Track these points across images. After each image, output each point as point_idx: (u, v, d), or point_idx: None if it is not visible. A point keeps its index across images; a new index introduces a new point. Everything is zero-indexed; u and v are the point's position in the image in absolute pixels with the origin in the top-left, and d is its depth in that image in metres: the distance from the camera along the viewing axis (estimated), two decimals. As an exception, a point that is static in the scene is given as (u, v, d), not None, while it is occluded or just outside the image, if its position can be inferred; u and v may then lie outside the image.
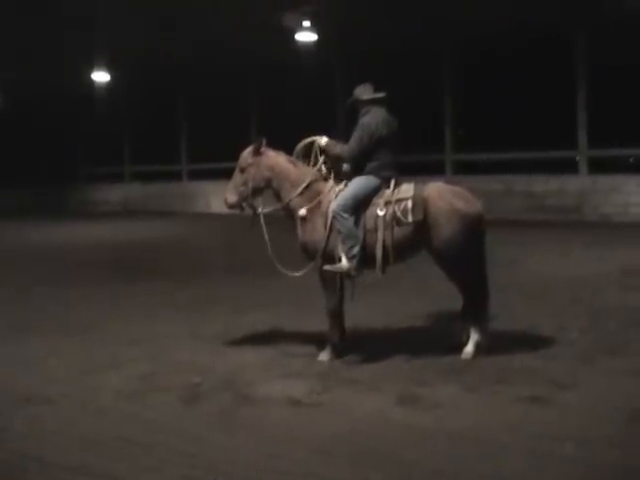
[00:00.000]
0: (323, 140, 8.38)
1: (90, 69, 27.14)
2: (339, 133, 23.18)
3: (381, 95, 8.31)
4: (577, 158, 22.60)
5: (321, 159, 8.36)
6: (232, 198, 8.50)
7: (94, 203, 35.12)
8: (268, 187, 8.45)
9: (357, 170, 8.15)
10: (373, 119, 8.13)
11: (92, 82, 28.32)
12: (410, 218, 7.79)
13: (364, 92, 8.30)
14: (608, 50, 21.03)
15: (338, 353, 8.07)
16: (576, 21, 21.62)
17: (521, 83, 23.14)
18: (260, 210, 8.55)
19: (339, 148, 8.29)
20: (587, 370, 7.45)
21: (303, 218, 8.16)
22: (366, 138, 8.06)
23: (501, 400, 6.65)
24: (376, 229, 7.87)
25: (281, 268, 8.48)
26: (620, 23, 20.44)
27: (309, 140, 8.47)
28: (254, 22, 21.28)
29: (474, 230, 7.88)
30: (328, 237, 7.99)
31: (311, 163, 8.40)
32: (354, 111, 8.42)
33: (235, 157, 8.64)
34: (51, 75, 28.39)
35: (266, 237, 8.48)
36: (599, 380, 7.15)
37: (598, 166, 22.25)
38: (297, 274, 8.42)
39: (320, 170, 8.35)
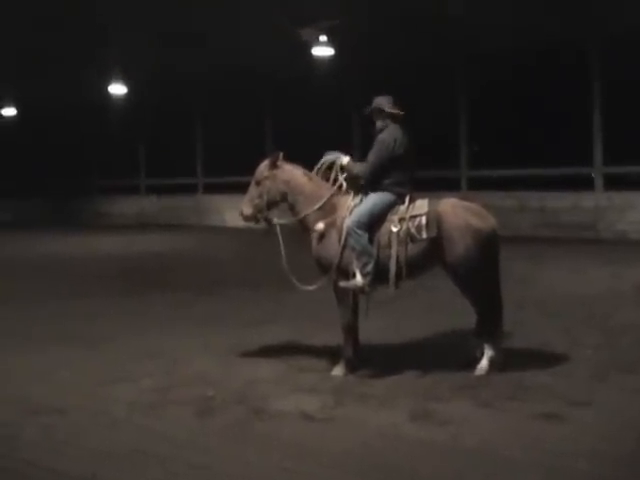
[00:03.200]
0: (345, 159, 8.38)
1: (106, 82, 27.28)
2: (355, 147, 23.28)
3: (401, 112, 8.32)
4: (592, 174, 22.54)
5: (342, 177, 8.36)
6: (247, 210, 8.53)
7: (109, 215, 35.19)
8: (283, 201, 8.48)
9: (372, 186, 8.15)
10: (391, 136, 8.13)
11: (108, 95, 28.47)
12: (424, 234, 7.80)
13: (387, 104, 8.31)
14: (624, 66, 21.01)
15: (352, 368, 8.06)
16: (591, 36, 21.60)
17: (536, 99, 23.13)
18: (276, 220, 8.57)
19: (357, 168, 8.28)
20: (601, 387, 7.43)
21: (319, 232, 8.16)
22: (385, 155, 8.06)
23: (515, 416, 6.63)
24: (390, 245, 7.87)
25: (295, 281, 8.50)
26: (635, 39, 20.39)
27: (331, 159, 8.47)
28: (271, 36, 21.34)
29: (488, 246, 7.88)
30: (342, 252, 8.00)
31: (331, 180, 8.40)
32: (370, 120, 8.43)
33: (250, 171, 8.67)
34: (67, 87, 28.51)
35: (282, 249, 8.51)
36: (613, 397, 7.13)
37: (613, 183, 22.17)
38: (310, 288, 8.43)
39: (340, 187, 8.35)
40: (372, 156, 8.15)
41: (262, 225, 8.61)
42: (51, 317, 11.61)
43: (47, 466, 5.79)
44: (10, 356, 9.13)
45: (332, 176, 8.39)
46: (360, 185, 8.29)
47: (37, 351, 9.34)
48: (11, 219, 32.40)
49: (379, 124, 8.28)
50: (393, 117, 8.29)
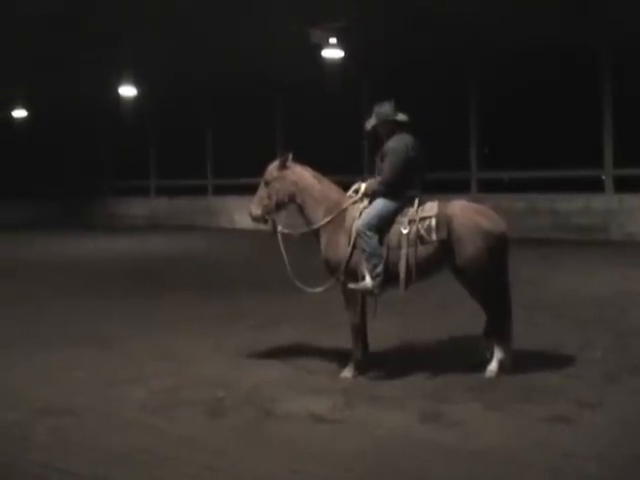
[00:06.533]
0: (363, 185, 8.30)
1: (117, 83, 27.32)
2: (365, 151, 23.26)
3: (407, 119, 8.28)
4: (603, 177, 22.50)
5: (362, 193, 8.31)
6: (256, 211, 8.52)
7: (119, 217, 35.25)
8: (292, 202, 8.47)
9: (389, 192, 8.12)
10: (400, 142, 8.08)
11: (119, 96, 28.51)
12: (434, 236, 7.80)
13: (391, 113, 8.25)
14: (634, 68, 20.98)
15: (361, 370, 8.07)
16: (602, 38, 21.55)
17: (547, 101, 23.09)
18: (280, 229, 8.56)
19: (375, 184, 8.19)
20: (611, 389, 7.42)
21: (327, 234, 8.16)
22: (399, 163, 8.00)
23: (525, 418, 6.63)
24: (400, 247, 7.86)
25: (301, 285, 8.51)
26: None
27: (356, 186, 8.42)
28: (280, 38, 21.33)
29: (497, 248, 7.87)
30: (351, 254, 8.00)
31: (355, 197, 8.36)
32: (374, 133, 8.38)
33: (260, 172, 8.67)
34: (78, 89, 28.57)
35: (285, 258, 8.51)
36: (623, 399, 7.12)
37: (624, 185, 22.12)
38: (317, 290, 8.44)
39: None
40: (387, 168, 8.06)
41: (270, 226, 8.61)
42: (62, 318, 11.63)
43: (58, 467, 5.80)
44: (21, 357, 9.17)
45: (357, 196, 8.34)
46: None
47: (48, 352, 9.37)
48: (23, 220, 32.46)
49: (386, 134, 8.25)
50: (399, 124, 8.26)
